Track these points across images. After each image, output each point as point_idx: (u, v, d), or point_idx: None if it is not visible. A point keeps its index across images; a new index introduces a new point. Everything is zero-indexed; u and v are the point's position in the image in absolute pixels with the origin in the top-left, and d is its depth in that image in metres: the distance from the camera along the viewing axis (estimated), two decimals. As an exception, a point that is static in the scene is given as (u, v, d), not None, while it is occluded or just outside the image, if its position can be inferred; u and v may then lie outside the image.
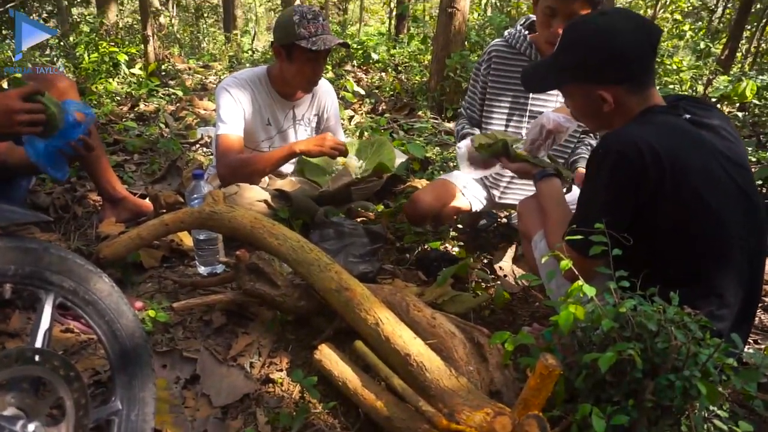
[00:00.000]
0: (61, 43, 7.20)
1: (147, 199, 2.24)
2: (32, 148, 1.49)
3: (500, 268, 2.05)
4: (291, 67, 2.03)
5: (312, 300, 1.51)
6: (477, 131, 2.05)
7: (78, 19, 8.09)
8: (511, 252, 2.12)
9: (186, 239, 2.01)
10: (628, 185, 1.15)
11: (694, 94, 5.53)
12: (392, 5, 11.39)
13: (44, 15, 11.15)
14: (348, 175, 2.22)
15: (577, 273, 1.06)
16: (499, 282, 1.96)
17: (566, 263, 1.07)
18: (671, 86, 6.22)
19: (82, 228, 2.14)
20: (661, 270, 1.17)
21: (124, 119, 3.85)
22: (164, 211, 2.07)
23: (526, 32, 1.95)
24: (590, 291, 1.01)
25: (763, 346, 1.67)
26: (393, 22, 9.78)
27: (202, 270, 1.85)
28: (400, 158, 2.45)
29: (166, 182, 2.70)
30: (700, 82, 6.27)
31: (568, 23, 1.35)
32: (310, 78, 2.07)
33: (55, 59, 6.25)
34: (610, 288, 1.05)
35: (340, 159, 2.19)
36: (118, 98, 4.50)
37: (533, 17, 1.94)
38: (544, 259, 1.19)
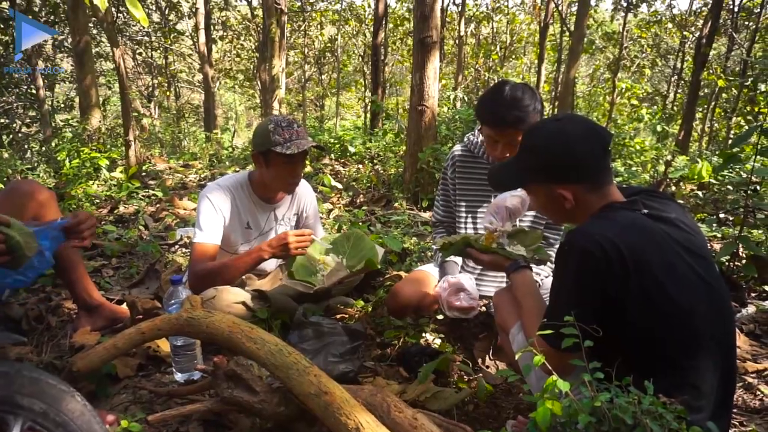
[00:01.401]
0: (43, 149, 7.35)
1: (124, 304, 2.22)
2: None
3: (481, 359, 2.05)
4: (269, 171, 2.12)
5: (292, 405, 1.48)
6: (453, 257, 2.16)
7: (61, 124, 8.32)
8: (492, 342, 2.13)
9: (163, 345, 1.98)
10: (594, 281, 1.19)
11: (655, 175, 5.81)
12: (367, 101, 12.02)
13: (27, 120, 11.44)
14: (342, 269, 2.24)
15: (550, 367, 1.08)
16: (481, 374, 1.95)
17: (539, 359, 1.09)
18: (634, 168, 6.55)
19: (55, 338, 2.10)
20: (634, 359, 1.20)
21: (103, 222, 3.88)
22: (141, 317, 2.04)
23: (481, 138, 2.11)
24: (564, 386, 1.03)
25: (748, 429, 1.67)
26: (368, 116, 10.28)
27: (179, 377, 1.80)
28: (379, 250, 2.50)
29: (144, 286, 2.69)
30: (660, 162, 6.62)
31: (526, 131, 1.47)
32: (289, 180, 2.15)
33: (36, 164, 6.35)
34: (585, 381, 1.06)
35: (319, 258, 2.23)
36: (98, 201, 4.55)
37: None
38: (518, 355, 1.21)
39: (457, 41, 12.71)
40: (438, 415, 1.45)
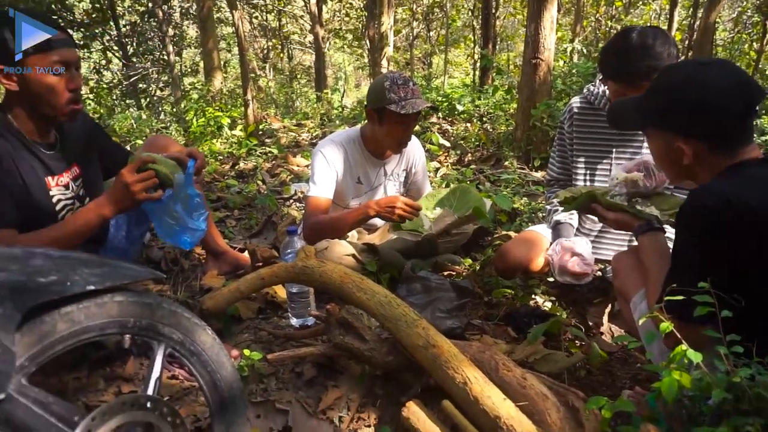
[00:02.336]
0: (174, 110, 8.01)
1: (245, 252, 2.39)
2: (159, 227, 1.70)
3: (595, 324, 1.95)
4: (382, 129, 2.13)
5: (400, 355, 1.52)
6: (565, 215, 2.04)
7: (188, 88, 8.98)
8: (607, 308, 2.01)
9: (280, 292, 2.11)
10: (720, 242, 1.07)
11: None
12: (476, 57, 11.62)
13: (161, 85, 12.52)
14: (450, 215, 2.21)
15: (677, 339, 0.99)
16: (594, 341, 1.86)
17: (667, 325, 1.00)
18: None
19: (188, 280, 2.31)
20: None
21: (226, 177, 4.17)
22: (260, 264, 2.19)
23: (604, 88, 1.93)
24: (696, 357, 0.94)
25: None
26: (477, 73, 9.95)
27: (294, 322, 1.92)
28: (486, 203, 2.43)
29: (263, 237, 2.87)
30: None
31: (663, 69, 1.32)
32: (400, 139, 2.15)
33: (168, 124, 6.95)
34: (721, 353, 0.97)
35: (428, 213, 2.22)
36: (221, 158, 4.90)
37: None
38: (642, 320, 1.12)
39: (576, -12, 11.76)
40: (547, 378, 1.41)
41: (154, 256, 2.48)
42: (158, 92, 12.27)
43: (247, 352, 1.64)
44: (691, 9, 11.06)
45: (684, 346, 0.97)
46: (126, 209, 1.65)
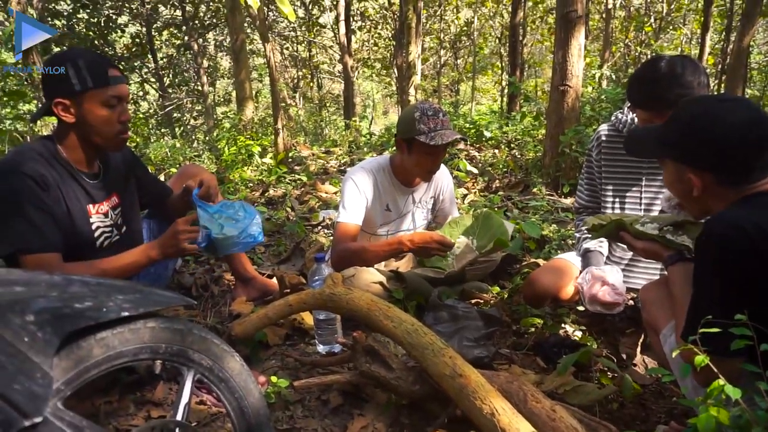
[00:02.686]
0: (207, 138, 8.24)
1: (274, 279, 2.41)
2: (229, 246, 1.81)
3: (628, 356, 1.90)
4: (411, 158, 2.15)
5: (426, 384, 1.51)
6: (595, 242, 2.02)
7: (221, 117, 9.25)
8: (640, 339, 1.96)
9: (307, 318, 2.12)
10: (737, 269, 1.05)
11: None
12: (503, 84, 11.67)
13: (194, 114, 12.93)
14: (471, 251, 2.22)
15: (709, 373, 0.96)
16: (627, 372, 1.80)
17: (702, 358, 0.97)
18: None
19: (217, 306, 2.35)
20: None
21: (255, 204, 4.25)
22: (288, 291, 2.21)
23: (633, 115, 1.91)
24: (735, 393, 0.91)
25: None
26: (505, 99, 9.97)
27: (321, 348, 1.92)
28: (509, 227, 2.41)
29: (291, 263, 2.90)
30: None
31: (682, 101, 1.33)
32: (429, 169, 2.17)
33: (201, 152, 7.15)
34: (761, 389, 0.93)
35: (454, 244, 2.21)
36: (251, 185, 5.00)
37: None
38: (675, 353, 1.09)
39: (603, 15, 11.76)
40: (578, 410, 1.37)
41: (185, 282, 2.53)
42: (192, 121, 12.68)
43: (274, 378, 1.65)
44: (724, 33, 10.93)
45: (721, 381, 0.94)
46: (170, 256, 1.77)
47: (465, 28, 15.07)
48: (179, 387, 1.09)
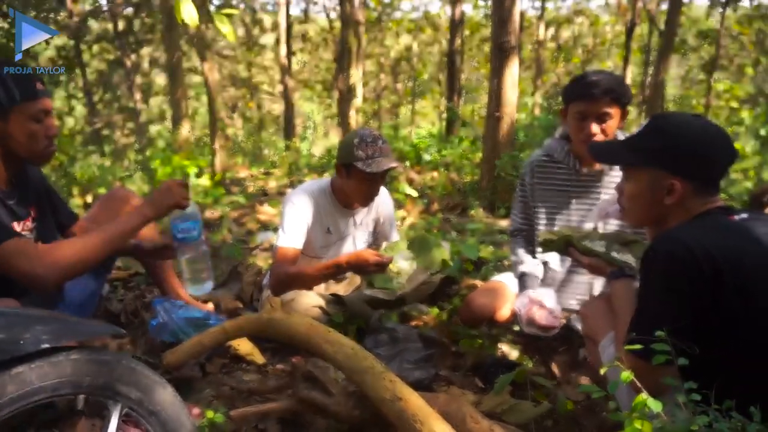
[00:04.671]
0: (139, 157, 7.94)
1: (209, 304, 2.33)
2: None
3: (561, 373, 1.97)
4: (349, 184, 2.15)
5: (367, 409, 1.49)
6: (529, 259, 2.12)
7: (155, 135, 8.95)
8: (571, 357, 2.03)
9: (244, 345, 2.06)
10: (682, 288, 1.11)
11: (759, 182, 5.37)
12: (442, 108, 12.00)
13: (126, 132, 12.45)
14: (423, 272, 2.22)
15: (640, 385, 1.01)
16: (561, 390, 1.87)
17: (627, 375, 1.02)
18: (734, 175, 6.07)
19: (148, 333, 2.24)
20: (738, 381, 1.09)
21: (191, 226, 4.11)
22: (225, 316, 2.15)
23: (564, 142, 2.04)
24: (656, 406, 0.96)
25: None
26: (444, 124, 10.25)
27: (192, 290, 1.88)
28: (445, 246, 2.44)
29: (228, 287, 2.82)
30: (765, 168, 6.09)
31: (656, 114, 1.41)
32: (367, 195, 2.18)
33: (133, 172, 6.87)
34: (679, 402, 0.99)
35: (393, 267, 2.22)
36: (187, 206, 4.84)
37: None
38: (603, 370, 1.14)
39: (535, 46, 12.41)
40: (515, 429, 1.40)
41: (113, 309, 2.40)
42: (123, 139, 12.18)
43: (210, 413, 1.58)
44: (643, 66, 11.78)
45: (645, 395, 0.99)
46: (166, 210, 1.71)
47: (405, 53, 15.44)
48: (104, 422, 1.03)
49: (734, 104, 10.18)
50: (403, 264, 2.18)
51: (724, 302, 1.10)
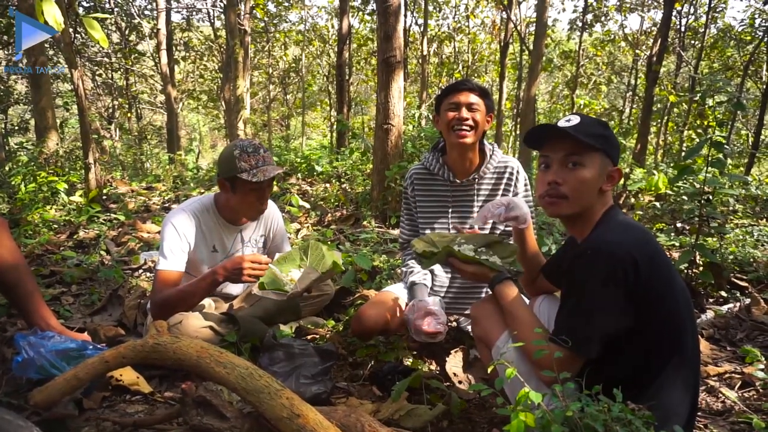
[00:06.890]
0: (-3, 173, 7.08)
1: (85, 333, 2.14)
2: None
3: (454, 374, 2.05)
4: (236, 197, 2.09)
5: (264, 429, 1.45)
6: (417, 269, 2.21)
7: (15, 147, 8.05)
8: (462, 356, 2.13)
9: (126, 375, 1.91)
10: (622, 287, 1.23)
11: (615, 187, 6.01)
12: (332, 120, 12.05)
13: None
14: (314, 272, 2.19)
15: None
16: (453, 390, 1.95)
17: (511, 371, 1.10)
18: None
19: (11, 371, 2.00)
20: (607, 367, 1.25)
21: (61, 248, 3.75)
22: (104, 345, 1.97)
23: (438, 154, 2.17)
24: (537, 398, 1.04)
25: (713, 432, 1.71)
26: (334, 135, 10.31)
27: None
28: (337, 254, 2.45)
29: (107, 313, 2.60)
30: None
31: (596, 118, 1.51)
32: (255, 206, 2.13)
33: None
34: (556, 392, 1.08)
35: (284, 274, 2.18)
36: (56, 227, 4.40)
37: (442, 140, 2.19)
38: (490, 369, 1.22)
39: (420, 60, 12.94)
40: (413, 433, 1.44)
41: (-34, 347, 2.11)
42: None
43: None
44: (517, 82, 12.74)
45: (526, 389, 1.07)
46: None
47: (293, 65, 15.34)
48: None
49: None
50: (295, 274, 2.16)
51: (646, 296, 1.25)
